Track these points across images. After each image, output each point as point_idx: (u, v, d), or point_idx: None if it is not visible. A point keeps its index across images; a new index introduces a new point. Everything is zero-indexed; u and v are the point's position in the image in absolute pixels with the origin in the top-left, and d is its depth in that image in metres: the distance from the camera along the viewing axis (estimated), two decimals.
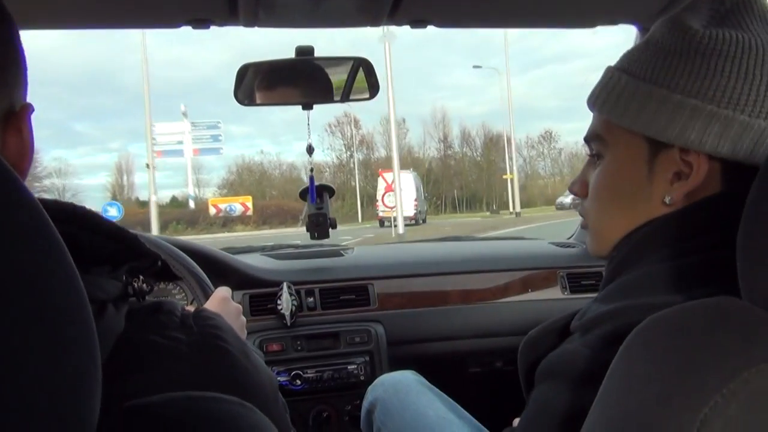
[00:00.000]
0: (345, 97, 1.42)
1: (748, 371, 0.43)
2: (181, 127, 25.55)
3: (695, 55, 0.66)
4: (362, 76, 1.36)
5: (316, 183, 1.69)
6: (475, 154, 53.60)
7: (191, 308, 0.63)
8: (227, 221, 28.40)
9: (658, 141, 0.69)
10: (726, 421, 0.42)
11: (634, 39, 1.38)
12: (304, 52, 1.31)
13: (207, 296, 1.41)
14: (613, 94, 0.72)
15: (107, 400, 0.38)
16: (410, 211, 23.68)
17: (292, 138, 74.72)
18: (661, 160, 0.69)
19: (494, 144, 52.23)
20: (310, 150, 1.57)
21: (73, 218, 0.50)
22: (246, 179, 51.60)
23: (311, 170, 1.61)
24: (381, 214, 23.67)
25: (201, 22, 1.12)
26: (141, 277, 0.57)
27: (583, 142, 0.81)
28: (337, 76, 1.38)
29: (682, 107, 0.66)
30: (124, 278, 0.55)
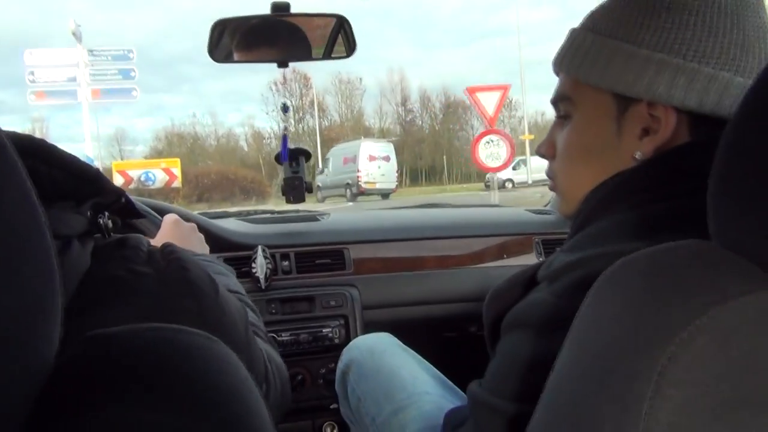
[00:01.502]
0: (324, 55, 1.39)
1: (715, 308, 0.43)
2: (72, 56, 15.92)
3: (660, 10, 0.67)
4: (341, 33, 1.34)
5: (293, 146, 1.68)
6: (434, 122, 47.17)
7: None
8: (143, 195, 12.67)
9: (625, 97, 0.69)
10: (693, 356, 0.42)
11: None
12: (280, 8, 1.28)
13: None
14: (580, 53, 0.72)
15: (73, 334, 0.37)
16: (393, 184, 22.72)
17: (227, 109, 71.67)
18: (629, 116, 0.70)
19: (452, 111, 46.90)
20: (284, 108, 1.55)
21: (31, 150, 0.48)
22: (176, 148, 43.27)
23: (285, 129, 1.59)
24: (364, 185, 21.27)
25: None
26: (106, 213, 0.56)
27: (539, 111, 0.76)
28: (314, 34, 1.35)
29: (649, 61, 0.66)
30: (89, 214, 0.53)
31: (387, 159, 22.44)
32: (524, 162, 23.76)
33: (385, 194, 21.62)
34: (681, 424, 0.42)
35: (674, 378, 0.42)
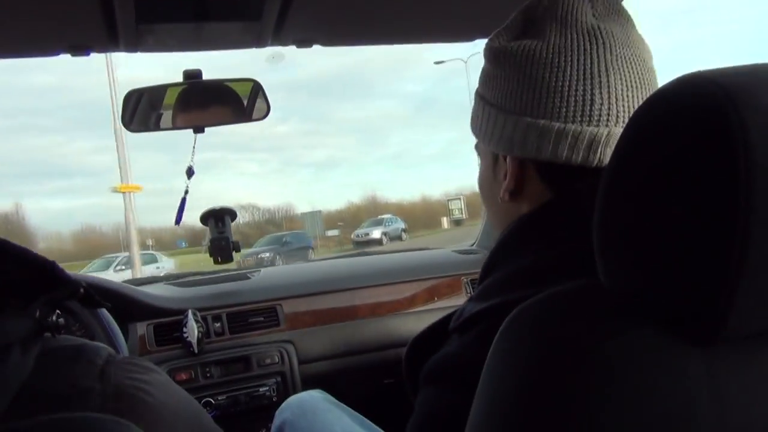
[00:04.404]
0: (240, 118, 1.42)
1: (602, 345, 0.47)
2: None
3: (495, 67, 0.75)
4: (254, 97, 1.38)
5: (218, 207, 1.69)
6: None
7: None
8: None
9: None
10: (585, 393, 0.46)
11: None
12: (192, 75, 1.31)
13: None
14: (472, 113, 0.82)
15: None
16: None
17: None
18: (498, 166, 0.78)
19: None
20: (189, 173, 1.55)
21: None
22: None
23: (186, 192, 1.58)
24: None
25: (80, 48, 1.10)
26: (57, 312, 0.52)
27: None
28: (229, 98, 1.38)
29: (490, 116, 0.75)
30: (37, 313, 0.50)
31: None
32: None
33: None
34: None
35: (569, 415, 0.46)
